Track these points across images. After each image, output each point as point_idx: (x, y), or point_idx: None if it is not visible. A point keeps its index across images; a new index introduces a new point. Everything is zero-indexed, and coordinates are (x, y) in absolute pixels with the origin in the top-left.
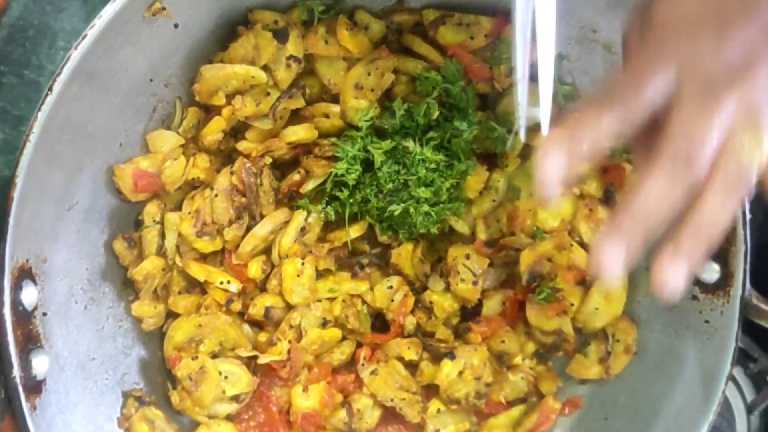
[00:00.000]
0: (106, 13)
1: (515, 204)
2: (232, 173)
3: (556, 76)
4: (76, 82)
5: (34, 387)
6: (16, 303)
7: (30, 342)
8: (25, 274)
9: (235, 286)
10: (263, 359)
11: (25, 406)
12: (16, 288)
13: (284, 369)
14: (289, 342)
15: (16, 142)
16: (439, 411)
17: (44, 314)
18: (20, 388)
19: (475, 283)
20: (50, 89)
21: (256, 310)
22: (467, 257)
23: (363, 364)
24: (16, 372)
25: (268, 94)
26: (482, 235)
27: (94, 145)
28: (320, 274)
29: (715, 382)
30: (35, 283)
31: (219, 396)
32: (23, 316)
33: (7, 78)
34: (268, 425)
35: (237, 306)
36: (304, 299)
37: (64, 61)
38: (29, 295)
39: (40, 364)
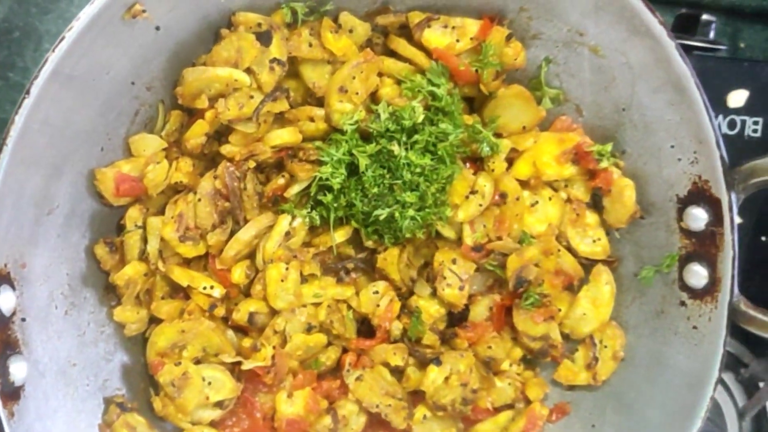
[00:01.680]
0: (84, 14)
1: (502, 208)
2: (215, 177)
3: (544, 80)
4: (54, 84)
5: (12, 393)
6: None
7: (8, 348)
8: (2, 279)
9: (218, 291)
10: (247, 365)
11: (2, 412)
12: None
13: (268, 375)
14: (274, 348)
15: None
16: (425, 417)
17: (23, 320)
18: None
19: (461, 288)
20: (27, 92)
21: (240, 315)
22: (454, 262)
23: (348, 370)
24: None
25: (252, 97)
26: (469, 239)
27: (74, 149)
28: (305, 279)
29: (703, 388)
30: (13, 288)
31: (202, 402)
32: (1, 322)
33: None
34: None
35: (220, 311)
36: (288, 304)
37: (41, 64)
38: (7, 300)
39: (18, 370)
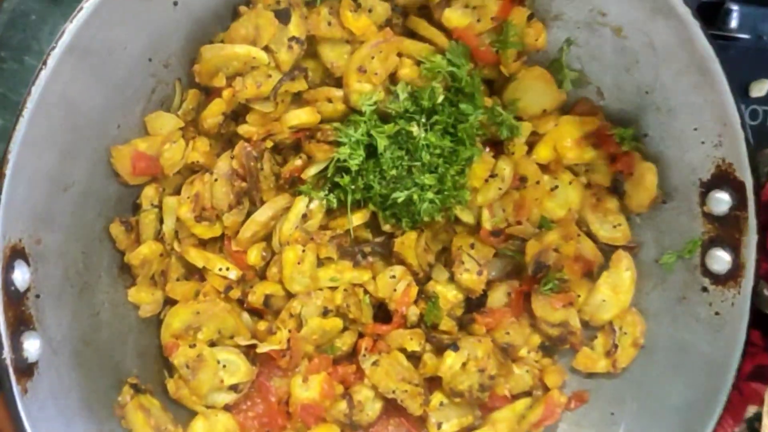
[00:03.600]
0: None
1: (521, 192)
2: (232, 157)
3: (565, 62)
4: (71, 57)
5: (26, 370)
6: (8, 283)
7: (22, 324)
8: (17, 254)
9: (234, 273)
10: (262, 348)
11: (16, 389)
12: (8, 268)
13: (284, 359)
14: (289, 331)
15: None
16: (441, 404)
17: (37, 296)
18: (11, 371)
19: (479, 273)
20: (44, 63)
21: (256, 297)
22: (472, 247)
23: (364, 355)
24: (7, 354)
25: (270, 76)
26: (487, 224)
27: (90, 126)
28: (321, 263)
29: (724, 375)
30: (28, 263)
31: (217, 385)
32: (15, 297)
33: (8, 64)
34: (267, 416)
35: (236, 293)
36: (304, 287)
37: (58, 36)
38: (21, 276)
39: (32, 347)
